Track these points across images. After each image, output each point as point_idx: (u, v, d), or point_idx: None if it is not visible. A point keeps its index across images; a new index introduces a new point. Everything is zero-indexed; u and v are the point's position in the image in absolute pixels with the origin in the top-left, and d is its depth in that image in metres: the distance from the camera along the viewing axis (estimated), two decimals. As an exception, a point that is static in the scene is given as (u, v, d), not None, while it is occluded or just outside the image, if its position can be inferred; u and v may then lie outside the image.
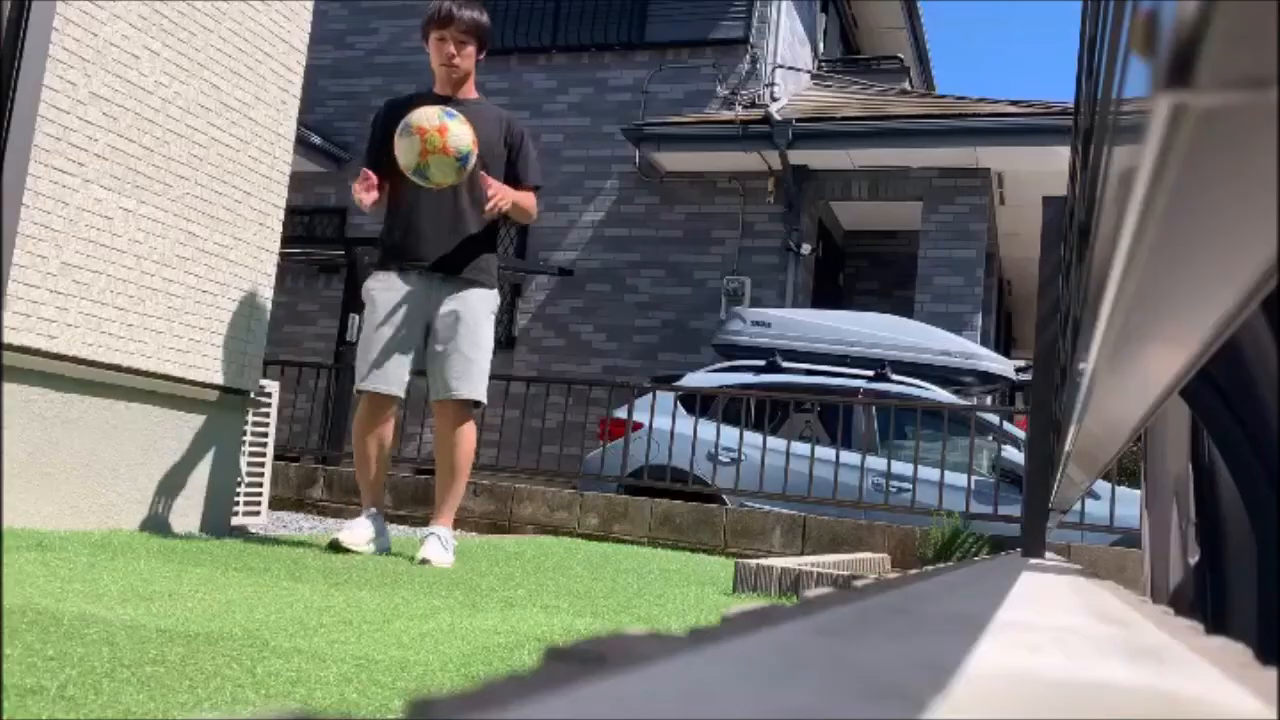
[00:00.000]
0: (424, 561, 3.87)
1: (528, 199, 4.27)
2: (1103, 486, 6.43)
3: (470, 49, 4.23)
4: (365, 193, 4.04)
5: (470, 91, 4.32)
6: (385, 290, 4.10)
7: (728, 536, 6.48)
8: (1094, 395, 0.84)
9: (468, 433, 4.19)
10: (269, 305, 4.89)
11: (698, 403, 7.47)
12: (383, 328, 4.06)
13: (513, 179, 4.23)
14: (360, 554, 3.91)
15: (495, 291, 4.25)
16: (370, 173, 4.06)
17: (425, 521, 6.85)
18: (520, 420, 8.35)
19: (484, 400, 4.20)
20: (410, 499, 6.91)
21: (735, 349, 8.68)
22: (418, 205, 4.08)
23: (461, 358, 4.07)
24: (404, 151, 3.78)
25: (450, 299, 4.09)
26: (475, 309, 4.11)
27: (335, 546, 3.92)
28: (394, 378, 4.06)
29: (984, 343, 10.27)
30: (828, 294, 11.73)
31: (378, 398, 4.08)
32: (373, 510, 4.15)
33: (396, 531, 5.45)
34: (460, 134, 3.79)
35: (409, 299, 4.08)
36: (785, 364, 8.17)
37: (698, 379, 8.24)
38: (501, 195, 4.05)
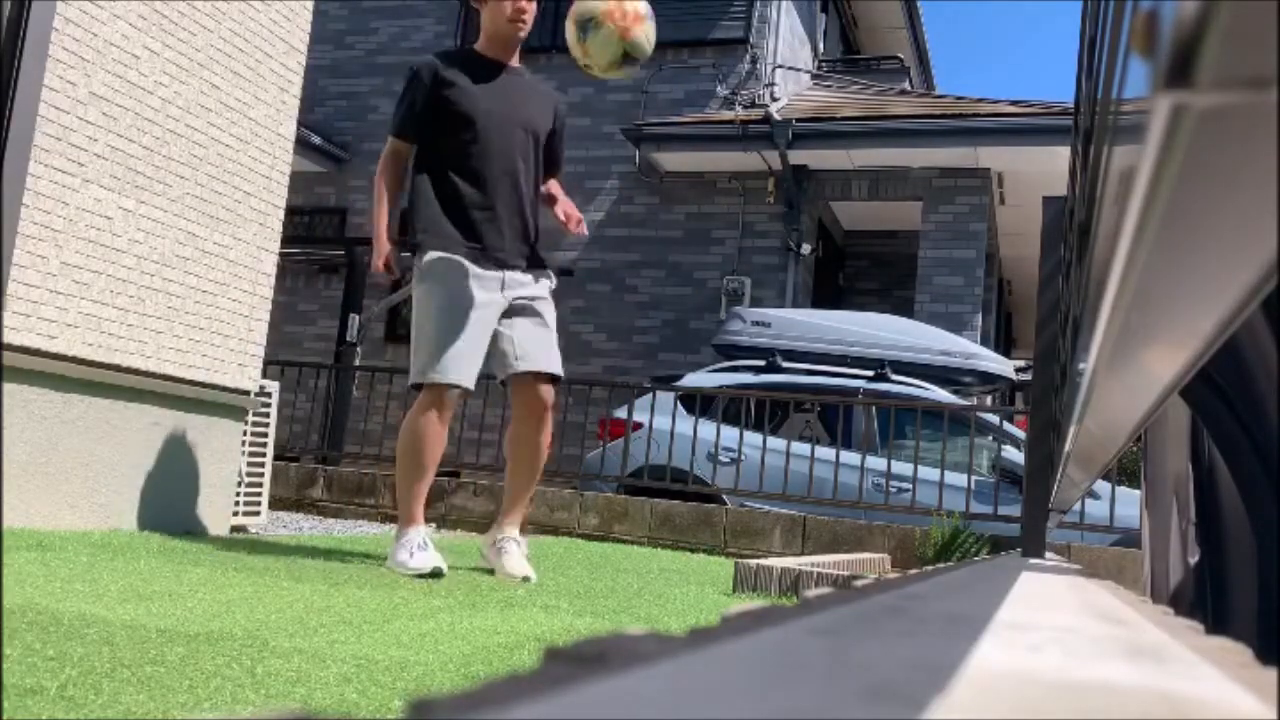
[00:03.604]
0: (525, 580, 3.62)
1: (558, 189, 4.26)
2: (1103, 486, 6.43)
3: (535, 4, 3.87)
4: (383, 266, 3.82)
5: (518, 60, 3.99)
6: (458, 275, 3.69)
7: (728, 536, 6.48)
8: (1094, 395, 0.84)
9: (550, 420, 3.90)
10: (269, 305, 4.89)
11: (698, 403, 7.47)
12: (461, 315, 3.65)
13: (550, 160, 4.09)
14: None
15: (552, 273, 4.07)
16: (389, 257, 3.80)
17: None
18: (520, 420, 8.32)
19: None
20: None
21: (735, 349, 8.68)
22: (491, 190, 3.81)
23: (549, 333, 3.84)
24: (602, 45, 3.57)
25: (525, 284, 3.84)
26: (547, 292, 3.93)
27: (437, 574, 3.48)
28: (471, 371, 3.67)
29: (984, 343, 10.27)
30: (828, 294, 11.73)
31: (450, 393, 3.65)
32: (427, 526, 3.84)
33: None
34: (649, 35, 3.62)
35: (488, 288, 3.73)
36: (785, 364, 8.17)
37: (698, 379, 8.24)
38: (576, 214, 4.09)
